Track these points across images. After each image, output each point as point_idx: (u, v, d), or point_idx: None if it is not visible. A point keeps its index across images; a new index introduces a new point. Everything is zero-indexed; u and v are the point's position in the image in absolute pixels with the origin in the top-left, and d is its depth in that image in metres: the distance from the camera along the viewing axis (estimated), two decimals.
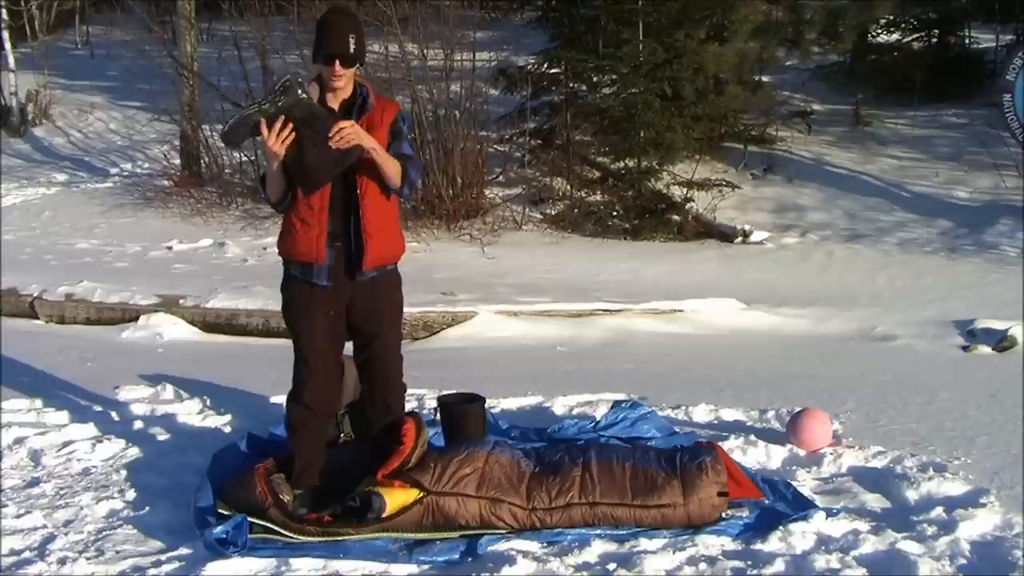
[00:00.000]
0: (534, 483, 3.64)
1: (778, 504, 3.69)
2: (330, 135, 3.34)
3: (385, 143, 3.54)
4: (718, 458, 3.71)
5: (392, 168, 3.50)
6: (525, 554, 3.29)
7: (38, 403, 5.10)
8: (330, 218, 3.55)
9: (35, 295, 8.10)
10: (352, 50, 3.46)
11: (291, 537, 3.44)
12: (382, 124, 3.56)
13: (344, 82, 3.53)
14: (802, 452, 4.29)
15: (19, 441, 4.52)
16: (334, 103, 3.57)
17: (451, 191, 11.03)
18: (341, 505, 3.55)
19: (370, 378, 3.76)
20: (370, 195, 3.55)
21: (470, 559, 3.34)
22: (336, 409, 4.05)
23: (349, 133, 3.36)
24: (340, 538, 3.44)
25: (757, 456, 4.25)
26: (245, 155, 12.45)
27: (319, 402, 3.72)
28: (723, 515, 3.57)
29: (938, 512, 3.55)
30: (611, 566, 3.22)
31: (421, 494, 3.52)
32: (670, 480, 3.60)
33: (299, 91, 3.40)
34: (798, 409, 4.52)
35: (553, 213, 11.40)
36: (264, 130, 3.40)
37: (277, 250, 3.75)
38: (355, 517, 3.48)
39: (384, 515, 3.46)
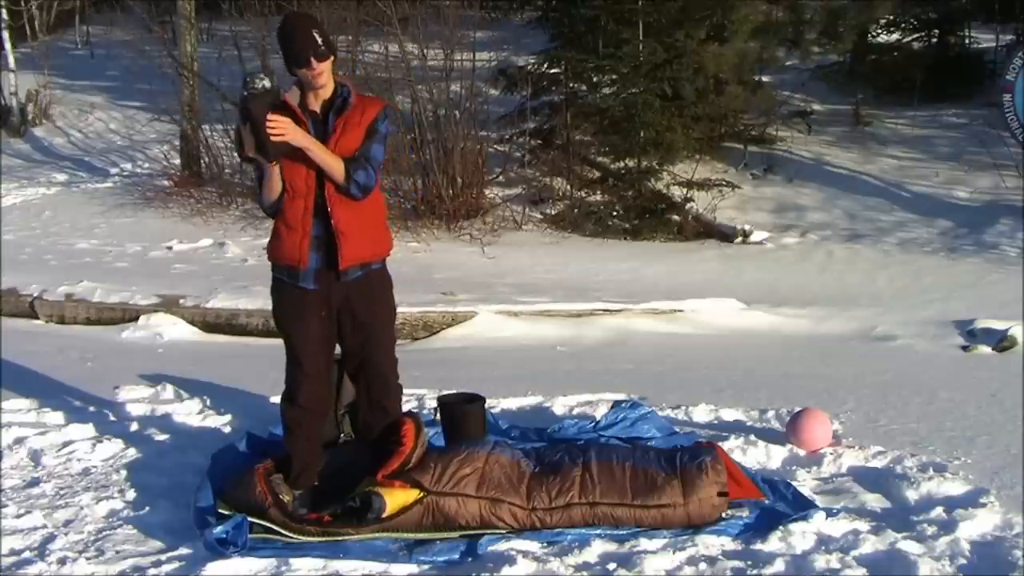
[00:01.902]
0: (534, 483, 3.64)
1: (778, 504, 3.69)
2: (267, 124, 3.36)
3: (359, 142, 3.54)
4: (718, 458, 3.71)
5: (332, 165, 3.47)
6: (525, 554, 3.29)
7: (38, 403, 5.10)
8: (314, 222, 3.55)
9: (35, 295, 8.10)
10: (321, 43, 3.46)
11: (291, 537, 3.44)
12: (360, 124, 3.55)
13: (325, 79, 3.52)
14: (802, 452, 4.29)
15: (19, 441, 4.52)
16: (315, 105, 3.56)
17: (451, 191, 11.03)
18: (341, 505, 3.55)
19: (366, 381, 3.73)
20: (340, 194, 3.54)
21: (470, 559, 3.34)
22: (330, 409, 4.06)
23: (276, 128, 3.36)
24: (340, 538, 3.44)
25: (757, 456, 4.24)
26: None
27: (315, 403, 3.73)
28: (723, 515, 3.57)
29: (938, 512, 3.55)
30: (611, 566, 3.22)
31: (421, 494, 3.53)
32: (670, 480, 3.60)
33: (243, 92, 3.45)
34: (798, 409, 4.52)
35: (553, 213, 11.41)
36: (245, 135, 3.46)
37: (267, 254, 3.74)
38: (355, 517, 3.48)
39: (384, 515, 3.46)
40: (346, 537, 3.44)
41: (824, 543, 3.34)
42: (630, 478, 3.63)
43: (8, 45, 16.16)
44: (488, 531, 3.49)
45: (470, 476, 3.59)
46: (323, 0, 12.13)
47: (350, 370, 3.79)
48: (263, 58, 12.56)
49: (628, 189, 11.42)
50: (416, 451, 3.65)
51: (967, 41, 13.60)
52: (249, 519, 3.45)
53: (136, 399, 5.22)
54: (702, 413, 4.88)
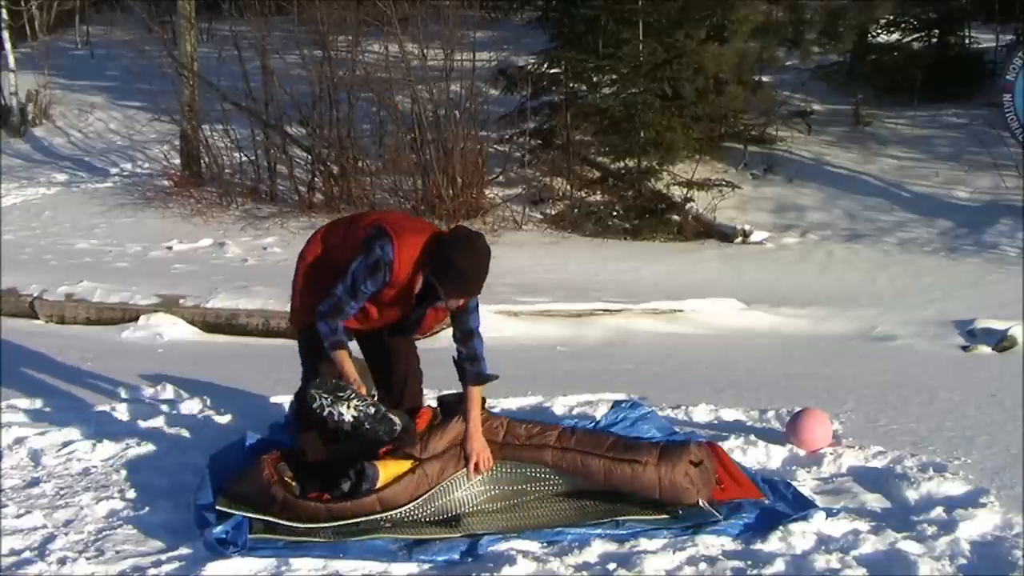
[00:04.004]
0: (513, 425, 3.83)
1: (778, 504, 3.69)
2: (471, 468, 3.62)
3: (445, 315, 3.74)
4: (704, 446, 3.78)
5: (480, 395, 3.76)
6: (525, 554, 3.29)
7: (38, 403, 5.10)
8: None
9: (35, 295, 8.09)
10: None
11: (290, 526, 3.45)
12: (446, 307, 3.67)
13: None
14: (802, 452, 4.29)
15: (19, 441, 4.51)
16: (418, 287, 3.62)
17: (451, 191, 11.04)
18: (338, 481, 3.59)
19: (392, 362, 3.92)
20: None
21: (470, 559, 3.34)
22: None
23: (484, 464, 3.64)
24: (340, 538, 3.44)
25: (757, 456, 4.25)
26: (245, 155, 12.45)
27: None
28: (718, 510, 3.57)
29: (938, 512, 3.55)
30: (611, 566, 3.22)
31: (413, 463, 3.62)
32: (650, 447, 3.71)
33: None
34: (798, 409, 4.52)
35: (553, 213, 11.41)
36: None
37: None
38: (352, 490, 3.54)
39: (378, 485, 3.52)
40: (346, 538, 3.44)
41: (824, 543, 3.34)
42: (611, 442, 3.75)
43: (8, 45, 16.13)
44: (488, 531, 3.49)
45: (452, 438, 3.72)
46: (323, 0, 12.14)
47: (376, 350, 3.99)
48: (263, 58, 12.55)
49: (628, 189, 11.42)
50: (423, 437, 3.76)
51: (967, 41, 13.60)
52: (249, 516, 3.45)
53: (136, 399, 5.22)
54: (702, 413, 4.88)
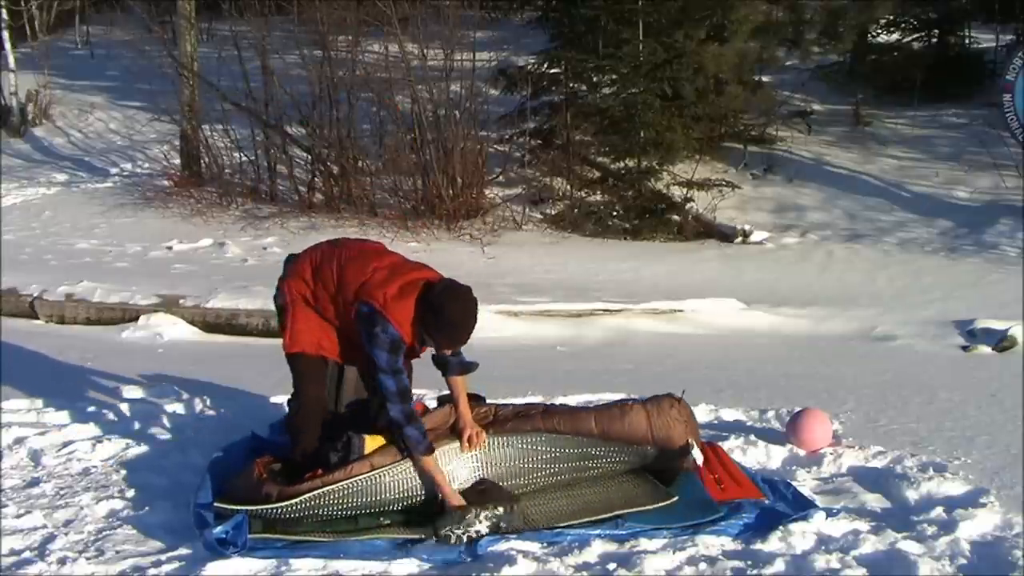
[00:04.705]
0: (500, 407, 4.00)
1: (778, 504, 3.69)
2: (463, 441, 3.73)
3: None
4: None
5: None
6: (525, 554, 3.29)
7: (38, 403, 5.09)
8: None
9: (35, 295, 8.10)
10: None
11: (286, 513, 3.46)
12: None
13: None
14: (802, 452, 4.29)
15: (19, 441, 4.51)
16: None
17: (451, 191, 11.04)
18: (328, 456, 3.68)
19: None
20: None
21: (470, 559, 3.34)
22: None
23: (476, 439, 3.76)
24: (340, 537, 3.45)
25: (757, 456, 4.25)
26: (245, 155, 12.46)
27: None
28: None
29: (938, 512, 3.55)
30: (611, 566, 3.22)
31: None
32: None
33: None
34: (798, 409, 4.53)
35: (553, 213, 11.41)
36: None
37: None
38: (342, 462, 3.62)
39: (365, 452, 3.64)
40: (347, 537, 3.44)
41: (824, 543, 3.34)
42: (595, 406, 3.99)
43: (8, 45, 16.13)
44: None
45: (440, 420, 3.86)
46: (323, 0, 12.14)
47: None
48: (263, 58, 12.55)
49: (628, 189, 11.43)
50: None
51: (967, 41, 13.60)
52: (248, 509, 3.45)
53: (136, 399, 5.22)
54: (702, 413, 4.87)
